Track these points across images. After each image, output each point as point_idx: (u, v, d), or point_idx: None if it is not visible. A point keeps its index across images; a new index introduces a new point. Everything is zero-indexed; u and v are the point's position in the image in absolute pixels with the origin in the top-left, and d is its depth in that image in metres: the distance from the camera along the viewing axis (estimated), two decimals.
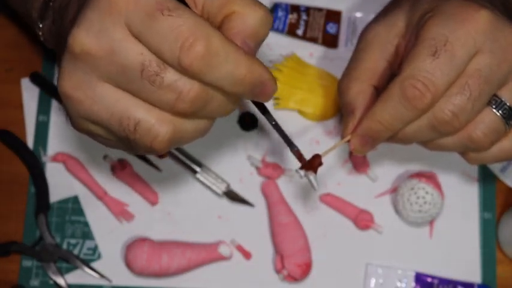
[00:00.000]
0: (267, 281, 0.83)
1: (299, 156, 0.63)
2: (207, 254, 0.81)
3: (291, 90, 0.85)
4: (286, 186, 0.84)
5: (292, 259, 0.81)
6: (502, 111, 0.63)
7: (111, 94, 0.52)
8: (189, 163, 0.83)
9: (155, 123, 0.52)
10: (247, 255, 0.83)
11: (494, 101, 0.63)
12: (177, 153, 0.84)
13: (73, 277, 0.83)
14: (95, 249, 0.83)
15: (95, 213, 0.84)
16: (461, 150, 0.66)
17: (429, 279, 0.82)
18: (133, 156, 0.84)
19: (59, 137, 0.85)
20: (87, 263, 0.83)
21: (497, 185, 0.85)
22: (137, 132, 0.52)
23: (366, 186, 0.85)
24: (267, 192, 0.84)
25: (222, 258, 0.82)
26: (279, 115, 0.85)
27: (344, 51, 0.87)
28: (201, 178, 0.84)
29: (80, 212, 0.84)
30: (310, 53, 0.87)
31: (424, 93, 0.59)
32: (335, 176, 0.85)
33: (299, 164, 0.63)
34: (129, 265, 0.80)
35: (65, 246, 0.83)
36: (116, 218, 0.84)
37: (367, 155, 0.85)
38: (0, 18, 0.88)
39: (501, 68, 0.61)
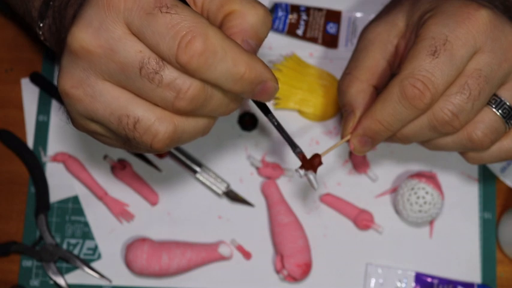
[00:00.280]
0: (267, 281, 0.83)
1: (302, 158, 0.62)
2: (207, 254, 0.81)
3: (291, 90, 0.85)
4: (286, 186, 0.84)
5: (292, 259, 0.81)
6: (502, 111, 0.63)
7: (110, 92, 0.52)
8: (189, 163, 0.84)
9: (155, 122, 0.52)
10: (247, 255, 0.83)
11: (494, 100, 0.63)
12: (177, 153, 0.84)
13: (73, 277, 0.83)
14: (95, 249, 0.83)
15: (95, 213, 0.84)
16: (461, 150, 0.66)
17: (429, 279, 0.82)
18: (133, 156, 0.84)
19: (59, 137, 0.85)
20: (87, 263, 0.83)
21: (497, 185, 0.85)
22: (137, 130, 0.52)
23: (366, 186, 0.85)
24: (267, 192, 0.84)
25: (222, 258, 0.82)
26: (279, 115, 0.85)
27: (344, 51, 0.87)
28: (201, 178, 0.84)
29: (80, 212, 0.84)
30: (310, 53, 0.87)
31: (423, 93, 0.59)
32: (335, 176, 0.85)
33: (299, 164, 0.63)
34: (129, 265, 0.80)
35: (65, 246, 0.83)
36: (116, 218, 0.84)
37: (367, 155, 0.85)
38: (0, 18, 0.88)
39: (501, 68, 0.61)
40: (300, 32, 0.87)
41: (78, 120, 0.55)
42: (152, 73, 0.50)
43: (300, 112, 0.86)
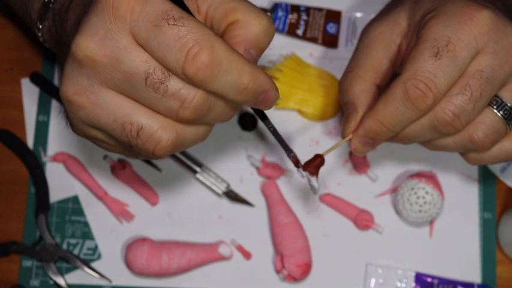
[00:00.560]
0: (267, 281, 0.83)
1: (296, 162, 0.63)
2: (207, 254, 0.81)
3: (291, 90, 0.85)
4: (286, 186, 0.84)
5: (292, 259, 0.81)
6: (503, 112, 0.63)
7: (114, 100, 0.52)
8: (189, 163, 0.83)
9: (158, 129, 0.52)
10: (247, 255, 0.83)
11: (495, 101, 0.63)
12: (177, 153, 0.84)
13: (73, 277, 0.83)
14: (95, 249, 0.83)
15: (95, 213, 0.84)
16: (462, 150, 0.66)
17: (429, 279, 0.82)
18: None
19: (59, 137, 0.85)
20: (87, 263, 0.83)
21: (497, 185, 0.85)
22: (140, 137, 0.52)
23: (366, 186, 0.85)
24: (267, 192, 0.84)
25: (222, 258, 0.82)
26: (279, 115, 0.85)
27: (344, 51, 0.87)
28: (201, 178, 0.84)
29: (80, 212, 0.84)
30: (310, 53, 0.87)
31: (426, 94, 0.59)
32: (335, 176, 0.85)
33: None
34: (129, 265, 0.80)
35: (65, 246, 0.83)
36: (116, 218, 0.84)
37: (367, 156, 0.85)
38: (0, 18, 0.88)
39: (503, 69, 0.61)
40: (300, 32, 0.87)
41: (79, 126, 0.55)
42: (158, 83, 0.50)
43: (300, 112, 0.86)
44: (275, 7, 0.87)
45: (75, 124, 0.55)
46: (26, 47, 0.87)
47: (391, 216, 0.84)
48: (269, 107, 0.55)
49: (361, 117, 0.66)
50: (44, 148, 0.85)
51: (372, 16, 0.72)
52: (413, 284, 0.82)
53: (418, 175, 0.81)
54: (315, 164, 0.64)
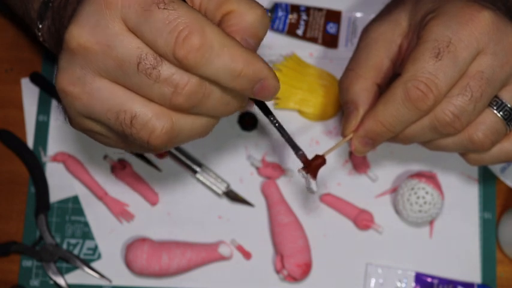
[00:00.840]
0: (267, 281, 0.83)
1: (304, 160, 0.62)
2: (207, 254, 0.81)
3: (291, 90, 0.85)
4: (286, 186, 0.84)
5: (292, 259, 0.81)
6: (503, 113, 0.63)
7: (108, 88, 0.52)
8: (189, 163, 0.83)
9: (152, 117, 0.52)
10: (247, 255, 0.83)
11: (495, 102, 0.63)
12: (177, 153, 0.84)
13: (73, 277, 0.83)
14: (95, 249, 0.83)
15: (95, 213, 0.84)
16: (462, 150, 0.66)
17: (429, 279, 0.82)
18: (134, 156, 0.84)
19: (59, 137, 0.85)
20: (87, 263, 0.83)
21: (497, 185, 0.85)
22: (134, 126, 0.52)
23: (366, 186, 0.85)
24: (267, 192, 0.84)
25: (222, 258, 0.82)
26: (279, 115, 0.85)
27: (344, 51, 0.87)
28: (201, 178, 0.84)
29: (80, 212, 0.84)
30: (310, 53, 0.87)
31: (426, 95, 0.59)
32: (335, 176, 0.85)
33: (300, 164, 0.63)
34: (129, 265, 0.80)
35: (65, 246, 0.83)
36: (116, 218, 0.84)
37: (367, 156, 0.85)
38: (0, 18, 0.88)
39: (503, 70, 0.61)
40: (300, 32, 0.87)
41: (75, 118, 0.55)
42: (150, 68, 0.50)
43: (300, 112, 0.86)
44: (275, 7, 0.87)
45: (72, 117, 0.55)
46: (26, 47, 0.87)
47: (391, 216, 0.84)
48: (269, 98, 0.54)
49: (362, 116, 0.66)
50: (44, 148, 0.85)
51: (372, 16, 0.72)
52: (413, 284, 0.82)
53: (418, 175, 0.81)
54: (316, 164, 0.63)
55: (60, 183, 0.84)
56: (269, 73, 0.52)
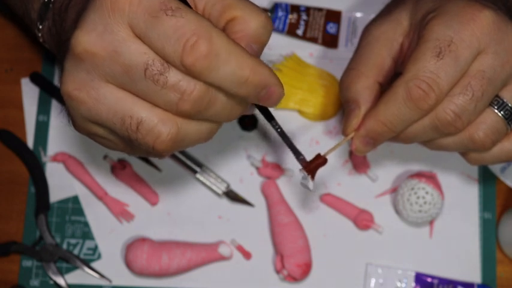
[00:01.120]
0: (267, 281, 0.83)
1: (305, 165, 0.62)
2: (207, 254, 0.81)
3: (291, 90, 0.85)
4: (286, 186, 0.84)
5: (292, 259, 0.81)
6: (504, 112, 0.63)
7: (114, 94, 0.52)
8: (189, 163, 0.83)
9: (158, 123, 0.52)
10: (247, 255, 0.83)
11: (496, 101, 0.63)
12: (177, 153, 0.84)
13: (73, 277, 0.83)
14: (95, 249, 0.83)
15: (95, 213, 0.84)
16: (463, 150, 0.66)
17: (429, 279, 0.82)
18: (134, 156, 0.84)
19: (59, 137, 0.85)
20: (87, 263, 0.83)
21: (497, 185, 0.85)
22: (139, 131, 0.52)
23: (366, 186, 0.85)
24: (267, 192, 0.84)
25: (222, 258, 0.82)
26: (279, 115, 0.85)
27: (344, 51, 0.87)
28: (201, 178, 0.84)
29: (80, 212, 0.84)
30: (310, 53, 0.87)
31: (428, 94, 0.60)
32: (335, 176, 0.85)
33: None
34: (129, 265, 0.80)
35: (65, 246, 0.83)
36: (116, 218, 0.84)
37: (367, 155, 0.85)
38: (0, 18, 0.88)
39: (504, 69, 0.61)
40: (300, 32, 0.87)
41: (80, 122, 0.55)
42: (157, 75, 0.50)
43: (300, 112, 0.86)
44: (275, 7, 0.87)
45: (77, 121, 0.55)
46: (26, 47, 0.87)
47: (391, 216, 0.84)
48: (274, 104, 0.54)
49: (363, 115, 0.66)
50: (44, 148, 0.85)
51: (372, 16, 0.72)
52: (413, 284, 0.82)
53: (418, 175, 0.81)
54: (317, 164, 0.63)
55: (60, 183, 0.84)
56: (274, 80, 0.53)
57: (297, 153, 0.62)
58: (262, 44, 0.55)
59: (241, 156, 0.85)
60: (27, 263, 0.83)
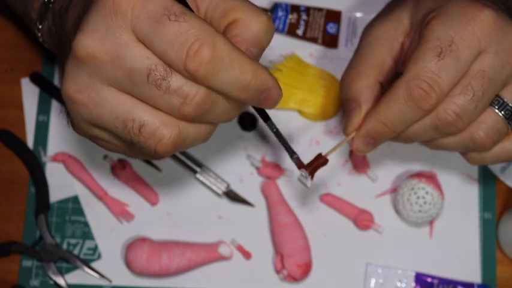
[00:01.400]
0: (267, 281, 0.83)
1: (299, 164, 0.63)
2: (207, 254, 0.81)
3: (291, 90, 0.85)
4: (286, 186, 0.84)
5: (292, 259, 0.81)
6: (505, 112, 0.63)
7: (115, 97, 0.52)
8: (189, 163, 0.83)
9: (160, 126, 0.52)
10: (247, 255, 0.83)
11: (497, 101, 0.63)
12: (177, 153, 0.84)
13: (73, 277, 0.83)
14: (95, 249, 0.83)
15: (95, 213, 0.84)
16: (463, 150, 0.66)
17: (429, 279, 0.82)
18: None
19: (59, 137, 0.85)
20: (87, 263, 0.83)
21: (497, 185, 0.85)
22: (141, 134, 0.52)
23: (366, 186, 0.85)
24: (267, 192, 0.84)
25: (222, 258, 0.82)
26: (279, 115, 0.85)
27: (344, 51, 0.87)
28: (201, 178, 0.84)
29: (80, 212, 0.84)
30: (310, 53, 0.87)
31: (429, 94, 0.60)
32: (335, 176, 0.85)
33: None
34: (129, 265, 0.80)
35: (65, 246, 0.83)
36: (116, 218, 0.84)
37: (367, 155, 0.85)
38: (0, 18, 0.88)
39: (505, 69, 0.61)
40: (300, 32, 0.87)
41: (80, 125, 0.55)
42: (160, 79, 0.50)
43: (300, 112, 0.86)
44: (275, 7, 0.87)
45: (77, 123, 0.55)
46: (26, 47, 0.87)
47: (391, 216, 0.84)
48: (272, 106, 0.55)
49: (365, 114, 0.66)
50: (44, 148, 0.85)
51: (372, 16, 0.72)
52: (413, 284, 0.82)
53: (418, 175, 0.81)
54: (317, 164, 0.63)
55: (60, 183, 0.84)
56: (274, 83, 0.53)
57: (291, 153, 0.62)
58: (262, 48, 0.55)
59: (241, 156, 0.85)
60: (27, 263, 0.83)
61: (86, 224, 0.84)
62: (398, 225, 0.84)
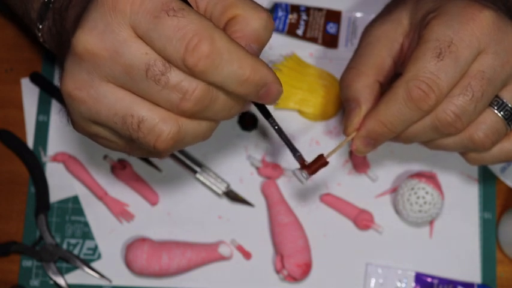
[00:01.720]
0: (267, 281, 0.83)
1: (302, 162, 0.63)
2: (207, 254, 0.81)
3: (291, 90, 0.85)
4: (286, 186, 0.84)
5: (292, 259, 0.81)
6: (504, 112, 0.63)
7: (114, 93, 0.52)
8: (189, 163, 0.83)
9: (159, 122, 0.52)
10: (247, 255, 0.83)
11: (496, 102, 0.63)
12: (177, 153, 0.84)
13: (73, 277, 0.83)
14: (95, 249, 0.83)
15: (95, 213, 0.84)
16: (462, 150, 0.66)
17: (429, 279, 0.82)
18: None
19: (59, 137, 0.85)
20: (87, 263, 0.83)
21: (497, 185, 0.85)
22: (141, 130, 0.52)
23: (366, 186, 0.85)
24: (267, 192, 0.84)
25: (222, 258, 0.82)
26: (279, 115, 0.85)
27: (344, 51, 0.87)
28: (201, 178, 0.84)
29: (80, 212, 0.84)
30: (310, 53, 0.87)
31: (428, 94, 0.60)
32: (335, 176, 0.85)
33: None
34: (129, 265, 0.80)
35: (65, 246, 0.83)
36: (116, 218, 0.84)
37: (367, 155, 0.85)
38: (0, 18, 0.88)
39: (504, 69, 0.61)
40: (300, 32, 0.87)
41: (80, 122, 0.55)
42: (158, 75, 0.50)
43: (300, 112, 0.86)
44: (275, 7, 0.87)
45: (77, 121, 0.55)
46: (26, 47, 0.87)
47: (391, 216, 0.84)
48: (272, 102, 0.54)
49: (364, 114, 0.66)
50: (44, 148, 0.85)
51: (372, 16, 0.72)
52: (413, 284, 0.82)
53: (418, 175, 0.81)
54: (319, 164, 0.64)
55: (60, 183, 0.84)
56: (274, 78, 0.53)
57: (294, 151, 0.62)
58: (262, 44, 0.55)
59: (241, 156, 0.85)
60: (27, 263, 0.83)
61: (86, 224, 0.84)
62: (398, 225, 0.84)
